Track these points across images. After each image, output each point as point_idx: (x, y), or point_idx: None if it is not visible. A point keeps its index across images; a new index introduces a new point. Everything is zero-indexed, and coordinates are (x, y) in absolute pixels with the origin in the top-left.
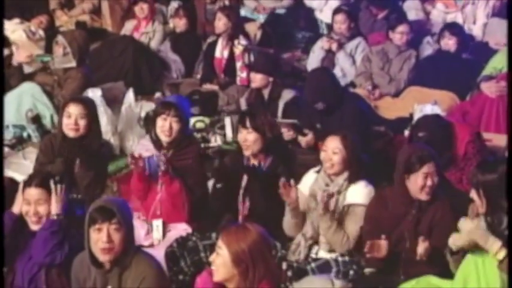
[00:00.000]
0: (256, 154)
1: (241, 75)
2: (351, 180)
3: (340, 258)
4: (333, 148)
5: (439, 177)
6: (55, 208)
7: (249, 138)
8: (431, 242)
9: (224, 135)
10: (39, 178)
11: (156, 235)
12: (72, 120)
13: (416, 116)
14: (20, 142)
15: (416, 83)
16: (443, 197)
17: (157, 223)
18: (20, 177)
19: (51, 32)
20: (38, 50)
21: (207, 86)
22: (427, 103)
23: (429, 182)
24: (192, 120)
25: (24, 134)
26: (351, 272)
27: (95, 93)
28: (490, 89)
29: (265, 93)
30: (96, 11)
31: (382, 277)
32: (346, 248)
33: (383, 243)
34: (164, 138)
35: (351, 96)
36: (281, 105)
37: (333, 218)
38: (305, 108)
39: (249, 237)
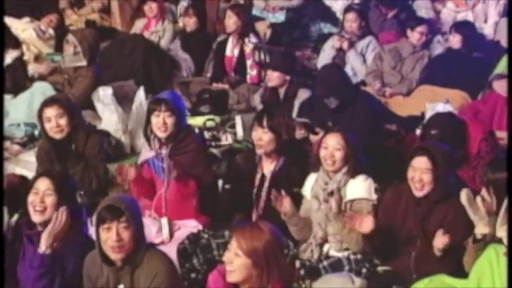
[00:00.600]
0: (270, 154)
1: (252, 73)
2: (349, 175)
3: (352, 257)
4: (334, 145)
5: (444, 175)
6: (45, 242)
7: (264, 137)
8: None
9: (235, 134)
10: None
11: (165, 233)
12: (53, 123)
13: (428, 115)
14: (32, 140)
15: (428, 82)
16: (456, 199)
17: (164, 221)
18: (30, 175)
19: (62, 30)
20: (48, 49)
21: (217, 85)
22: (439, 102)
23: (417, 177)
24: (203, 119)
25: (36, 132)
26: (364, 270)
27: (105, 92)
28: (502, 87)
29: (281, 92)
30: (106, 10)
31: (395, 275)
32: (360, 247)
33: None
34: (161, 134)
35: (363, 93)
36: (297, 104)
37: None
38: (319, 107)
39: (263, 237)
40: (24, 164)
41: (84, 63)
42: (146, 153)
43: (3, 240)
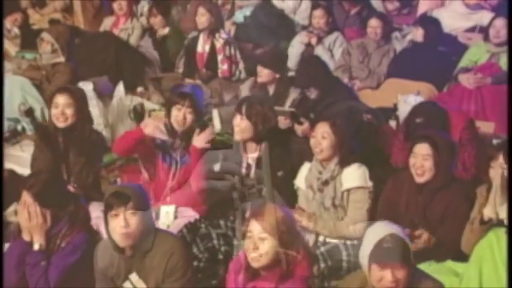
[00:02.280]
0: (249, 141)
1: (223, 67)
2: (342, 164)
3: (348, 242)
4: (321, 133)
5: (445, 162)
6: (38, 237)
7: (241, 124)
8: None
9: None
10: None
11: (164, 221)
12: (59, 110)
13: (400, 106)
14: (14, 135)
15: (395, 75)
16: (456, 186)
17: (168, 209)
18: (19, 170)
19: (26, 29)
20: (14, 48)
21: (190, 81)
22: (407, 94)
23: (418, 163)
24: None
25: (19, 127)
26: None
27: (86, 87)
28: (468, 80)
29: (270, 89)
30: (68, 9)
31: None
32: (358, 236)
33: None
34: (178, 127)
35: (342, 84)
36: (288, 103)
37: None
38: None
39: (279, 215)
40: (12, 159)
41: (62, 59)
42: (157, 132)
43: (2, 240)
